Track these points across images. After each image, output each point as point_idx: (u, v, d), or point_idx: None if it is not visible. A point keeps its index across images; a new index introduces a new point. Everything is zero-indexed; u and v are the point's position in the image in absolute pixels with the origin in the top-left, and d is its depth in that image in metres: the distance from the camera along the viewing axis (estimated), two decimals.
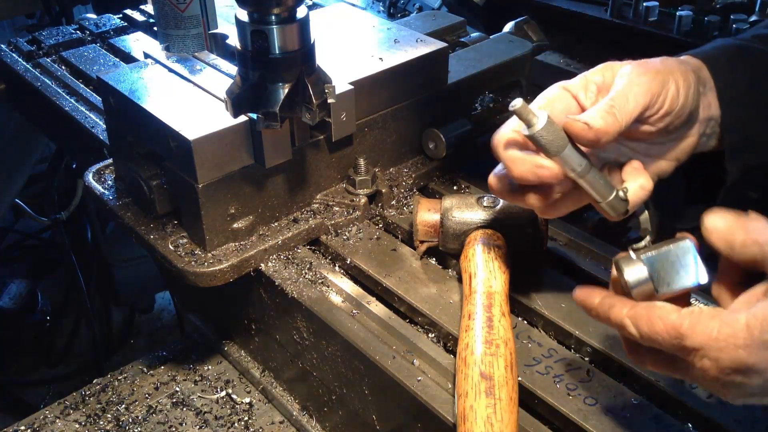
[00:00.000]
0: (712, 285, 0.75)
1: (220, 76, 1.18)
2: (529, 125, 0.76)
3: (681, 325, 0.67)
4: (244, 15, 0.98)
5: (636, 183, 0.81)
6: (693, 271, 0.73)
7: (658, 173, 0.91)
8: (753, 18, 1.52)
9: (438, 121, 1.31)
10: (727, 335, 0.64)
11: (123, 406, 1.27)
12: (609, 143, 0.79)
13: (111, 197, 1.24)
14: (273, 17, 0.96)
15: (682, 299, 0.75)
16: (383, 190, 1.23)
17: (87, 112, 1.51)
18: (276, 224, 1.18)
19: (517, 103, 0.75)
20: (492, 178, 0.86)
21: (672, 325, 0.68)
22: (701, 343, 0.66)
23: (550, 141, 0.76)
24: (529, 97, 1.51)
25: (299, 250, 1.17)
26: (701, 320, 0.66)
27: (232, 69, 1.19)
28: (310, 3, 1.83)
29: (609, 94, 0.81)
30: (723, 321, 0.65)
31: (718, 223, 0.71)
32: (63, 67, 1.68)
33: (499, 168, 0.86)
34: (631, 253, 0.76)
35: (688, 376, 0.71)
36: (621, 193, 0.79)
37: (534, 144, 0.77)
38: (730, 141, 0.92)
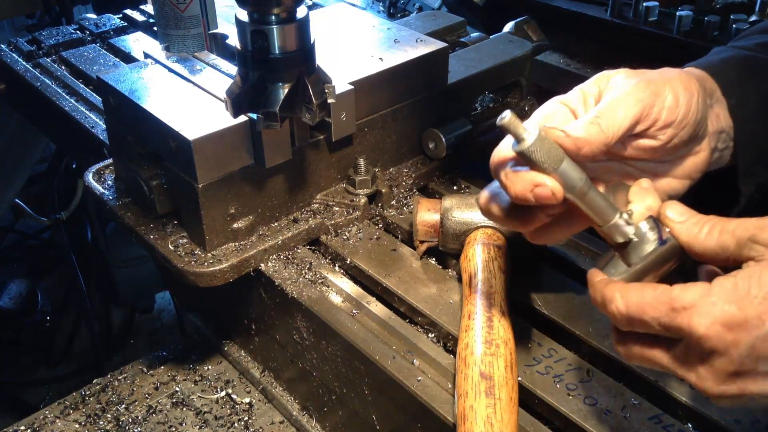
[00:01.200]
0: None
1: (220, 76, 1.18)
2: (519, 140, 0.70)
3: (672, 290, 0.68)
4: (244, 15, 0.98)
5: (643, 205, 0.76)
6: (656, 237, 0.73)
7: (670, 193, 0.86)
8: (753, 18, 1.52)
9: (438, 121, 1.31)
10: (719, 291, 0.66)
11: (123, 406, 1.27)
12: (596, 155, 0.74)
13: (111, 197, 1.24)
14: (273, 17, 0.96)
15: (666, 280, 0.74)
16: (383, 190, 1.23)
17: (87, 112, 1.51)
18: (276, 224, 1.18)
19: (505, 116, 0.69)
20: (483, 199, 0.80)
21: (663, 291, 0.68)
22: (692, 300, 0.66)
23: (543, 156, 0.70)
24: (530, 97, 1.51)
25: (299, 250, 1.17)
26: (692, 285, 0.67)
27: (232, 69, 1.19)
28: (310, 3, 1.83)
29: (597, 105, 0.77)
30: (714, 283, 0.66)
31: (680, 216, 0.72)
32: (63, 67, 1.68)
33: (494, 186, 0.79)
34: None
35: (673, 364, 0.70)
36: (625, 216, 0.74)
37: (525, 161, 0.71)
38: (744, 160, 0.89)
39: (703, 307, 0.65)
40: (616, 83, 0.79)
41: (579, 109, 0.80)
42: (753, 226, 0.68)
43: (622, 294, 0.70)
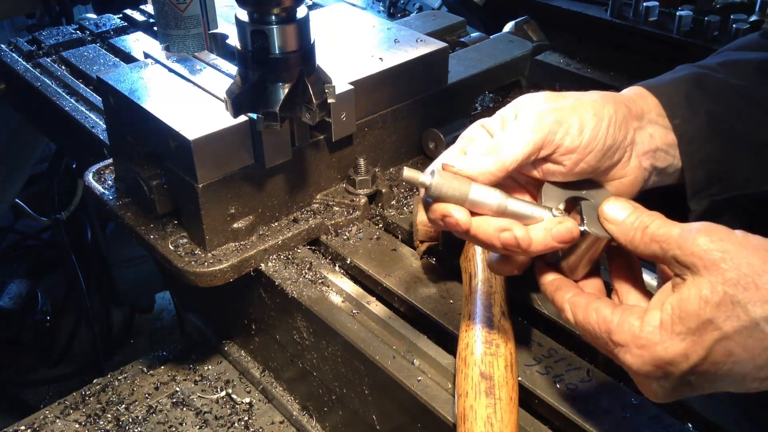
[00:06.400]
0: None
1: (220, 76, 1.18)
2: (424, 187, 0.76)
3: (611, 321, 0.72)
4: (244, 15, 0.98)
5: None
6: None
7: None
8: (753, 18, 1.52)
9: (438, 121, 1.32)
10: (648, 333, 0.69)
11: (123, 406, 1.27)
12: (498, 180, 0.77)
13: (111, 197, 1.24)
14: (273, 17, 0.96)
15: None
16: (383, 190, 1.23)
17: (87, 112, 1.51)
18: (276, 224, 1.18)
19: (404, 172, 0.75)
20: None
21: (604, 319, 0.73)
22: (625, 340, 0.71)
23: (450, 192, 0.75)
24: None
25: (299, 250, 1.17)
26: (628, 319, 0.71)
27: (232, 69, 1.19)
28: (310, 3, 1.84)
29: (499, 134, 0.80)
30: (644, 320, 0.70)
31: (618, 216, 0.76)
32: (63, 67, 1.68)
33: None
34: None
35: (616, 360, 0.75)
36: (555, 212, 0.78)
37: (437, 200, 0.76)
38: (692, 178, 0.88)
39: (633, 348, 0.70)
40: (525, 109, 0.81)
41: (497, 132, 0.82)
42: (675, 243, 0.70)
43: (572, 309, 0.76)
